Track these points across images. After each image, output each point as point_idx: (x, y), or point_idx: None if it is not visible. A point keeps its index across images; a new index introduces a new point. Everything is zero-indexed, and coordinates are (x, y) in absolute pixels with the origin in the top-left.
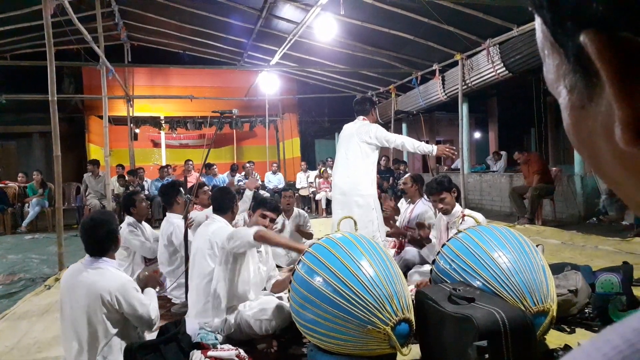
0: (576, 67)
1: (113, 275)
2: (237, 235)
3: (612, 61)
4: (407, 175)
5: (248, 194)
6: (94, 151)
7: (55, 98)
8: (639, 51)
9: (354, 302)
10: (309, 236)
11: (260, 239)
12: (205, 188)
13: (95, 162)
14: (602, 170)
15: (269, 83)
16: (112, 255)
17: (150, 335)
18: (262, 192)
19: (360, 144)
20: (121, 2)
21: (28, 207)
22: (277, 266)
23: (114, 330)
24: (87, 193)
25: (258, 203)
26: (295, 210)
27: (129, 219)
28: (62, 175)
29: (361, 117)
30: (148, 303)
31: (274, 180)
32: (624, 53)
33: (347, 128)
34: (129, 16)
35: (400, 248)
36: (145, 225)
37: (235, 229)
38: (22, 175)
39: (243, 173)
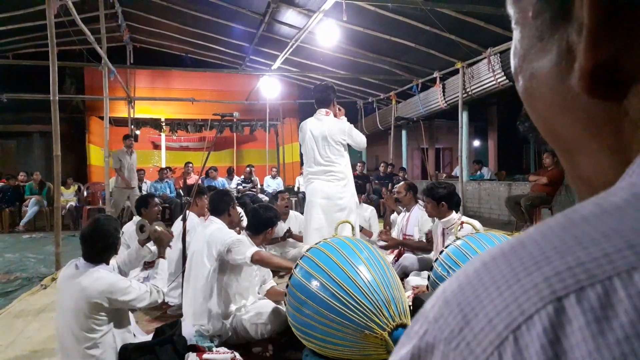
0: None
1: (103, 278)
2: (237, 252)
3: (598, 3)
4: (400, 184)
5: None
6: (94, 152)
7: (57, 98)
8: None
9: (351, 306)
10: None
11: (257, 262)
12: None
13: (131, 136)
14: (538, 111)
15: (270, 87)
16: (108, 261)
17: (146, 337)
18: (261, 196)
19: (335, 146)
20: (124, 4)
21: (26, 205)
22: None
23: (106, 328)
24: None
25: (264, 223)
26: (292, 212)
27: (136, 219)
28: (62, 175)
29: (324, 111)
30: (143, 291)
31: (273, 185)
32: None
33: (311, 126)
34: (132, 18)
35: (398, 255)
36: None
37: (237, 242)
38: (24, 174)
39: (242, 176)
